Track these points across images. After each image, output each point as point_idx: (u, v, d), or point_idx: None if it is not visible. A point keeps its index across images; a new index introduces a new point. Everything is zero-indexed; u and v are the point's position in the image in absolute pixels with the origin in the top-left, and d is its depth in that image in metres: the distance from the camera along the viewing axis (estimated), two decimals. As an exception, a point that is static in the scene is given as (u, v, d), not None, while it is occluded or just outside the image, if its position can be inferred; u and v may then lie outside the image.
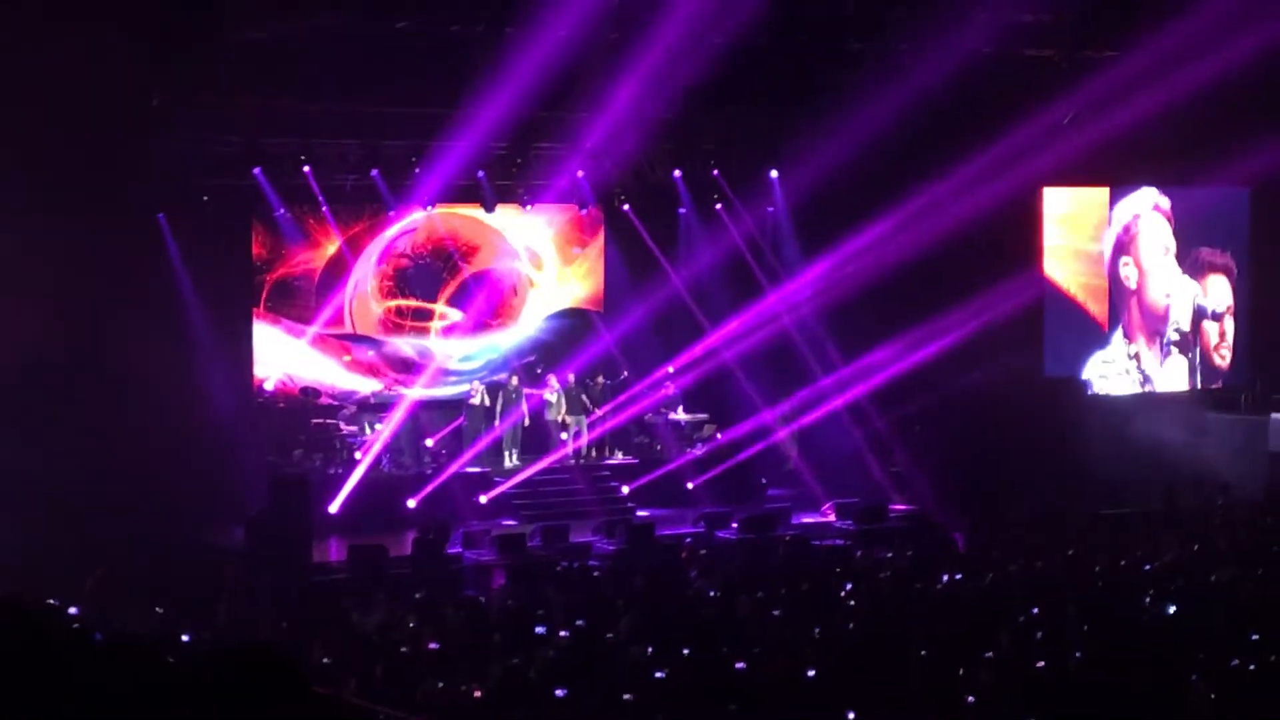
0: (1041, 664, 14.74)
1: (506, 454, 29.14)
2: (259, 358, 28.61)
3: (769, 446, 29.90)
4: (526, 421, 29.39)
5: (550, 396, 29.45)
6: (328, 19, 24.85)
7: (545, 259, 31.30)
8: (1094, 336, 32.34)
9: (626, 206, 30.77)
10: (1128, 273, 32.41)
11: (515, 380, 29.42)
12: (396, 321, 29.97)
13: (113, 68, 24.16)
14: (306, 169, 27.57)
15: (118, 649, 9.93)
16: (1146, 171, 31.87)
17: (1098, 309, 32.30)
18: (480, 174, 29.09)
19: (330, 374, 29.45)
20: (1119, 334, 32.46)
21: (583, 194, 30.19)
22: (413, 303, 30.03)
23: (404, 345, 30.05)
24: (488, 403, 28.93)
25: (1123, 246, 32.33)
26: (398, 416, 28.53)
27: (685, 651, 15.58)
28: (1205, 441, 30.14)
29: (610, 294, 31.34)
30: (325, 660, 15.86)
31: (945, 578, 20.10)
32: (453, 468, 27.90)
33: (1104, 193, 32.37)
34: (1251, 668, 14.76)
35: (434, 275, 30.29)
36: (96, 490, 23.50)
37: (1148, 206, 32.52)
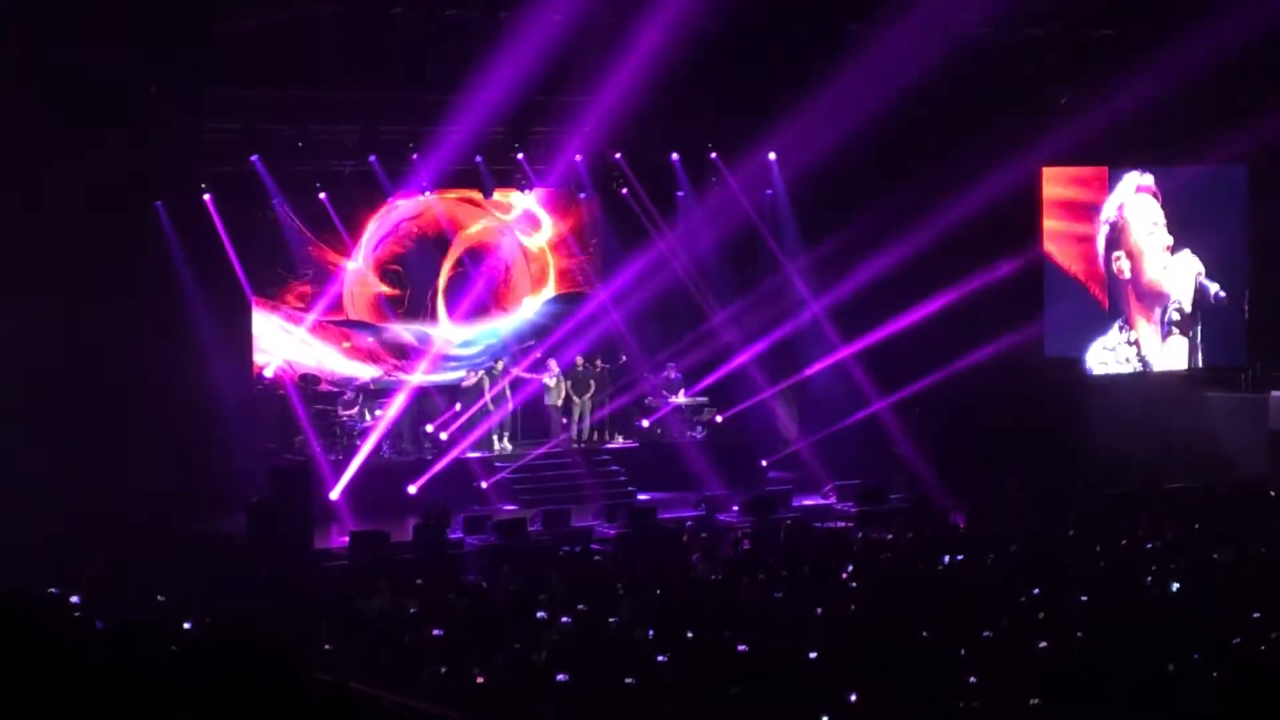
0: (1043, 644, 14.75)
1: (495, 438, 29.12)
2: (258, 345, 28.58)
3: (769, 429, 29.86)
4: (510, 405, 29.31)
5: (549, 381, 29.43)
6: (323, 6, 24.83)
7: (544, 244, 31.26)
8: (1094, 317, 32.32)
9: (625, 190, 30.70)
10: (1120, 265, 32.39)
11: (501, 365, 29.35)
12: (393, 309, 29.95)
13: (109, 57, 24.15)
14: (304, 156, 27.54)
15: (119, 637, 9.94)
16: (1145, 150, 31.82)
17: (1097, 289, 32.30)
18: (478, 159, 29.06)
19: (330, 361, 29.42)
20: (1119, 321, 32.44)
21: (581, 178, 30.16)
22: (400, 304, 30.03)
23: (403, 331, 30.02)
24: (487, 385, 28.89)
25: (1113, 241, 32.32)
26: (398, 402, 28.52)
27: (688, 634, 15.60)
28: (1206, 421, 30.14)
29: (609, 277, 31.29)
30: (328, 647, 15.87)
31: (946, 559, 20.13)
32: (452, 453, 27.89)
33: (1103, 172, 32.35)
34: (1259, 646, 14.77)
35: (432, 261, 30.26)
36: (98, 479, 23.50)
37: (1131, 191, 32.48)
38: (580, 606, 17.11)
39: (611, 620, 16.63)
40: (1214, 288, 32.92)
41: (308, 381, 28.70)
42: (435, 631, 16.01)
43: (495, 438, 29.06)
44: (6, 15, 23.11)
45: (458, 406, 28.89)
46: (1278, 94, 29.05)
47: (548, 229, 31.24)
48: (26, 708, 6.29)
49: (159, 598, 18.47)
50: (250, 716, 5.18)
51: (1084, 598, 16.98)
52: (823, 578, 19.01)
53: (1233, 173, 32.85)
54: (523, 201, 30.71)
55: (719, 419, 29.95)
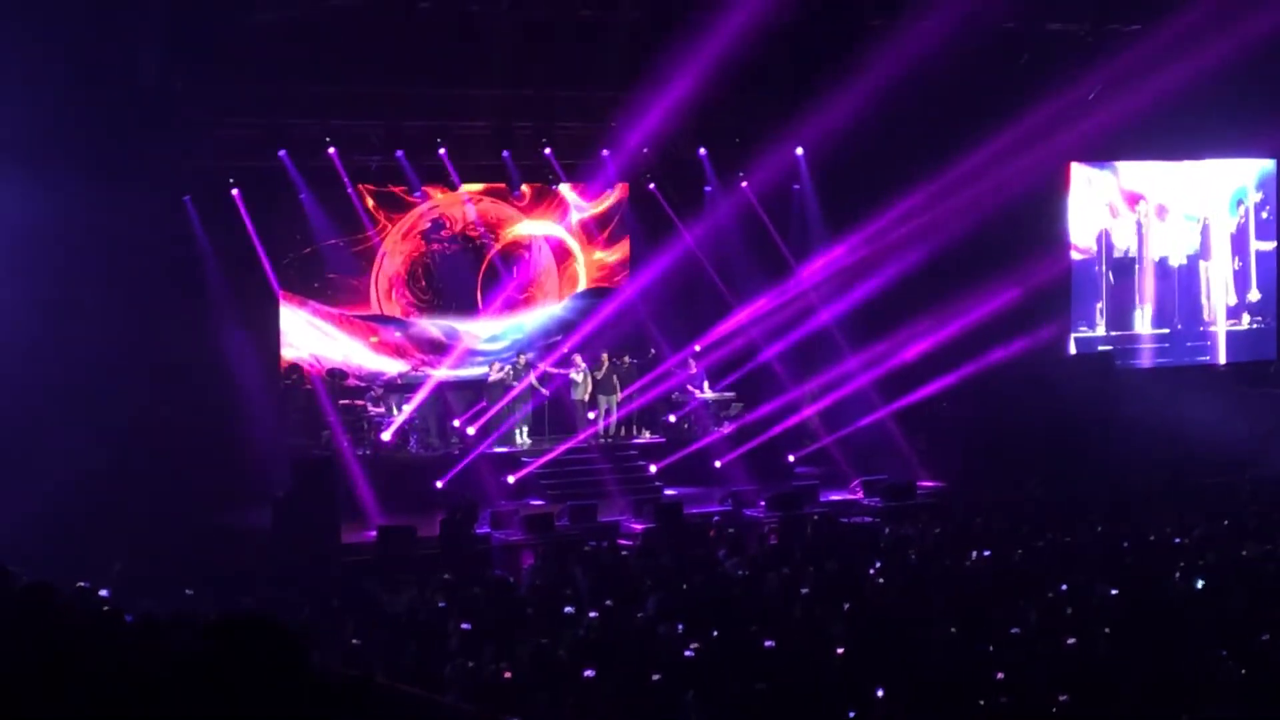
0: (1071, 640, 14.72)
1: (516, 431, 29.12)
2: (286, 340, 28.67)
3: (796, 424, 29.84)
4: (545, 395, 29.35)
5: (576, 376, 29.42)
6: (349, 0, 24.86)
7: (571, 238, 31.27)
8: (1123, 312, 32.26)
9: (652, 185, 30.70)
10: (1149, 254, 32.38)
11: (524, 359, 29.35)
12: (420, 305, 29.99)
13: (135, 52, 24.22)
14: (331, 151, 27.60)
15: (147, 629, 9.98)
16: (1173, 145, 31.74)
17: (1126, 284, 32.23)
18: (505, 153, 29.08)
19: (357, 355, 29.48)
20: (1147, 311, 32.40)
21: (608, 172, 30.15)
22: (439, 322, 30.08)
23: (430, 326, 30.06)
24: (513, 381, 28.87)
25: (1141, 234, 32.31)
26: (421, 396, 28.54)
27: (714, 630, 15.59)
28: (1234, 416, 30.02)
29: (636, 272, 31.29)
30: (355, 641, 15.90)
31: (973, 555, 20.07)
32: (479, 448, 27.90)
33: (1131, 166, 32.30)
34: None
35: (460, 256, 30.29)
36: (125, 472, 23.56)
37: (1159, 184, 32.44)
38: (607, 602, 17.11)
39: (638, 615, 16.63)
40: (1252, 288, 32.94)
41: (335, 376, 28.74)
42: (462, 626, 16.02)
43: (516, 432, 29.06)
44: (33, 11, 23.14)
45: (486, 401, 28.92)
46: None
47: (575, 224, 31.23)
48: (54, 699, 6.32)
49: (186, 591, 18.53)
50: (262, 709, 5.18)
51: (1112, 593, 16.93)
52: (850, 573, 18.97)
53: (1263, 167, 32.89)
54: (550, 195, 30.71)
55: (747, 414, 29.87)
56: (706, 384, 30.16)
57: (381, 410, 28.36)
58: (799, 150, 30.27)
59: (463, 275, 30.26)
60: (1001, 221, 28.29)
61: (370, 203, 29.10)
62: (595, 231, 31.44)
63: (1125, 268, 32.32)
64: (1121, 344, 32.17)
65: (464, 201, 29.98)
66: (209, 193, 26.73)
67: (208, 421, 25.32)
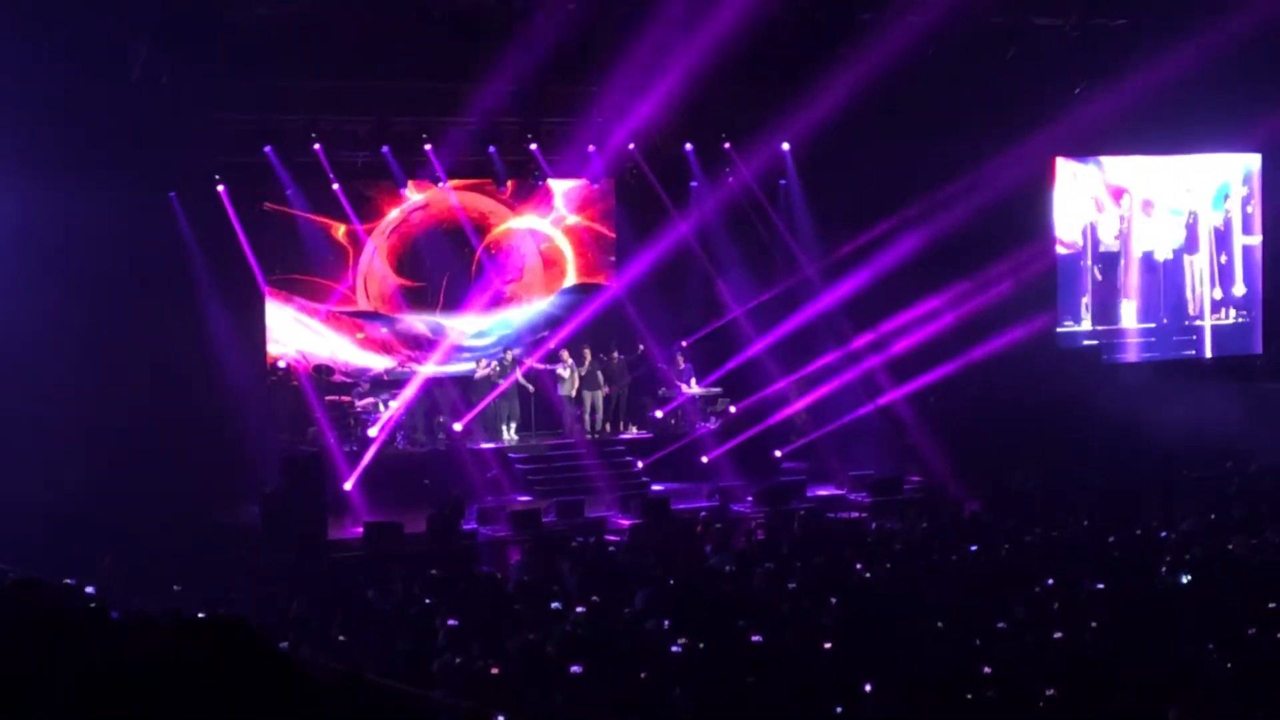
0: (1058, 634, 14.73)
1: (504, 427, 29.10)
2: (272, 336, 28.64)
3: (784, 419, 29.84)
4: (532, 389, 29.37)
5: (563, 372, 29.40)
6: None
7: (557, 233, 31.24)
8: (1109, 306, 32.28)
9: (638, 180, 30.66)
10: (1135, 249, 32.40)
11: (510, 355, 29.33)
12: (407, 300, 29.94)
13: (123, 48, 24.17)
14: (317, 146, 27.55)
15: (132, 626, 9.95)
16: (1158, 139, 31.76)
17: (1111, 278, 32.25)
18: (491, 149, 29.06)
19: (343, 351, 29.44)
20: (1133, 306, 32.41)
21: (594, 168, 30.12)
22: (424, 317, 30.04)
23: (417, 322, 30.03)
24: (499, 377, 28.85)
25: (1127, 229, 32.33)
26: (409, 393, 28.51)
27: (701, 626, 15.58)
28: (1221, 409, 30.04)
29: (623, 268, 31.25)
30: (342, 638, 15.88)
31: (960, 549, 20.07)
32: (466, 445, 27.89)
33: (1116, 161, 32.30)
34: (1274, 637, 14.74)
35: (447, 252, 30.23)
36: (112, 469, 23.51)
37: (1144, 179, 32.45)
38: (594, 597, 17.10)
39: (625, 611, 16.62)
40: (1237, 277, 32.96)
41: (321, 372, 28.71)
42: (449, 622, 16.00)
43: (504, 427, 29.05)
44: (19, 3, 23.11)
45: (472, 399, 28.91)
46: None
47: (562, 220, 31.19)
48: (37, 695, 6.30)
49: (175, 587, 18.51)
50: (243, 709, 5.18)
51: (1099, 588, 16.95)
52: (837, 568, 18.98)
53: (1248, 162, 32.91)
54: (536, 191, 30.67)
55: (734, 409, 29.87)
56: (694, 379, 30.15)
57: (368, 405, 28.33)
58: (785, 145, 30.24)
59: (449, 268, 30.20)
60: (987, 216, 28.29)
61: (356, 198, 28.98)
62: (591, 244, 31.40)
63: (1111, 262, 32.34)
64: (1107, 338, 32.20)
65: (448, 195, 29.89)
66: (195, 189, 26.67)
67: (195, 418, 25.28)
